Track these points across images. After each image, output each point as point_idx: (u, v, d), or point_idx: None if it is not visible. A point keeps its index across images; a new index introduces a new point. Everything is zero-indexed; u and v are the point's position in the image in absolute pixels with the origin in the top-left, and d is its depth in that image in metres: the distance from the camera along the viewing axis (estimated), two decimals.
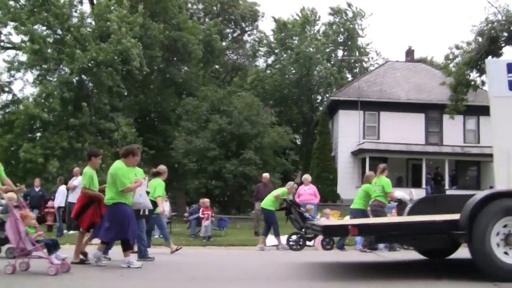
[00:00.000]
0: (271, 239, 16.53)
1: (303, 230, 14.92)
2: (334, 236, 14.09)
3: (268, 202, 15.67)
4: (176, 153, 30.60)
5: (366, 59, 51.94)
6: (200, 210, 19.50)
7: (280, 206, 16.01)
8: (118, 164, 9.92)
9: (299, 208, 15.86)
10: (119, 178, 9.63)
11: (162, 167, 13.30)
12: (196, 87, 35.55)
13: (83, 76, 30.77)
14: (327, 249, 15.16)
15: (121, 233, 9.58)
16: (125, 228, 9.53)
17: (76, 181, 18.78)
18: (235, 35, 49.00)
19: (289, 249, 15.11)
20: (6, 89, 33.36)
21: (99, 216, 10.13)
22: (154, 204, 12.22)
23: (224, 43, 44.94)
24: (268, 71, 48.13)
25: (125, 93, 31.72)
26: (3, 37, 34.00)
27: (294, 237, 15.39)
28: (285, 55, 46.42)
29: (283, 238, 15.68)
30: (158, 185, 12.75)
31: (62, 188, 20.15)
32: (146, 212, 11.07)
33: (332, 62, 48.70)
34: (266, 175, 21.38)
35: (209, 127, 29.93)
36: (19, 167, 29.01)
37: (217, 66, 46.52)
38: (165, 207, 15.89)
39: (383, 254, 13.31)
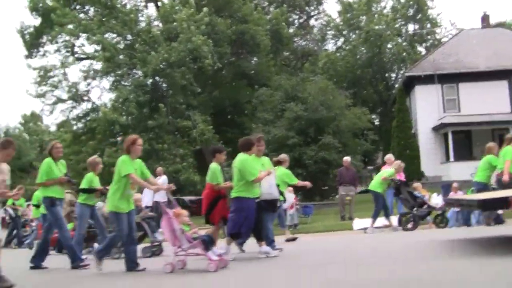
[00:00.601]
0: (358, 223, 16.36)
1: (414, 209, 14.84)
2: (491, 209, 13.49)
3: (375, 184, 15.45)
4: None
5: (438, 31, 50.38)
6: None
7: (388, 186, 15.62)
8: (242, 156, 9.82)
9: (409, 188, 15.67)
10: (247, 170, 9.58)
11: (283, 156, 13.14)
12: (268, 77, 35.45)
13: (156, 78, 31.26)
14: (441, 227, 15.02)
15: (236, 227, 9.61)
16: (241, 222, 9.53)
17: (160, 180, 19.07)
18: (301, 21, 48.61)
19: (401, 229, 14.83)
20: (85, 98, 34.36)
21: (228, 209, 10.18)
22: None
23: (291, 30, 44.68)
24: (338, 54, 47.51)
25: (199, 90, 31.97)
26: (77, 49, 35.05)
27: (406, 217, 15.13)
28: (354, 36, 45.71)
29: (394, 218, 15.52)
30: (284, 174, 12.57)
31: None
32: (278, 204, 10.93)
33: (403, 37, 47.61)
34: (347, 158, 21.18)
35: (285, 116, 29.86)
36: (104, 172, 29.77)
37: (287, 54, 46.28)
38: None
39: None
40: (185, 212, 9.12)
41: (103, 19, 31.49)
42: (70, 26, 31.55)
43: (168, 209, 8.87)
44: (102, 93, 38.50)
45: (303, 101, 30.36)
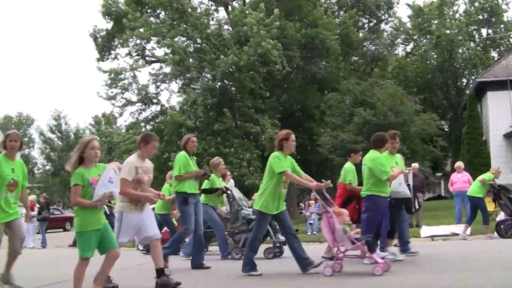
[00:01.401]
0: (425, 230, 16.05)
1: None
2: None
3: (475, 189, 15.35)
4: (323, 149, 30.51)
5: None
6: None
7: (487, 192, 15.58)
8: (373, 154, 9.47)
9: (508, 193, 15.36)
10: (378, 168, 9.21)
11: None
12: (337, 82, 35.17)
13: (225, 81, 31.40)
14: None
15: (373, 227, 9.17)
16: (377, 223, 9.20)
17: (228, 185, 19.11)
18: (371, 25, 48.08)
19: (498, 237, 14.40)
20: (155, 100, 34.84)
21: (357, 213, 10.07)
22: None
23: (361, 34, 44.27)
24: (408, 59, 46.79)
25: (268, 95, 31.95)
26: (147, 52, 35.60)
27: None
28: (424, 41, 45.01)
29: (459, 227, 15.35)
30: None
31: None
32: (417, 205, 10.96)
33: (476, 42, 46.48)
34: (415, 165, 20.72)
35: (354, 121, 29.59)
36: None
37: (356, 58, 45.87)
38: None
39: None
40: (345, 211, 8.73)
41: (174, 23, 31.84)
42: (141, 30, 32.05)
43: (328, 207, 8.50)
44: (171, 96, 39.14)
45: (371, 106, 30.03)
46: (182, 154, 10.08)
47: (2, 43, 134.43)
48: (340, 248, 8.33)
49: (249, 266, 8.69)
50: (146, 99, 34.44)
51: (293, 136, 8.79)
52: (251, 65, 29.25)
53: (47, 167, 66.47)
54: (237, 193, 12.71)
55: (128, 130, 37.70)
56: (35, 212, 22.38)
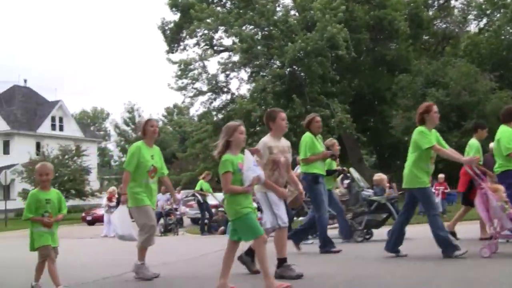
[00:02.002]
0: None
1: None
2: None
3: None
4: (396, 131, 30.12)
5: None
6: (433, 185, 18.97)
7: None
8: (504, 129, 9.12)
9: None
10: (505, 144, 8.85)
11: None
12: (408, 62, 34.57)
13: (294, 67, 31.35)
14: None
15: None
16: None
17: (300, 169, 19.14)
18: (441, 2, 46.86)
19: None
20: (225, 89, 35.15)
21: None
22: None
23: (430, 13, 43.22)
24: (481, 35, 45.38)
25: (337, 79, 31.71)
26: (215, 42, 35.90)
27: None
28: (498, 15, 43.51)
29: None
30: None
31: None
32: None
33: None
34: (493, 144, 20.20)
35: (426, 101, 29.07)
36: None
37: (426, 38, 44.87)
38: None
39: None
40: (502, 187, 7.94)
41: (240, 11, 31.99)
42: (209, 20, 32.35)
43: (482, 183, 7.79)
44: (240, 84, 39.27)
45: (444, 86, 29.41)
46: (307, 135, 9.44)
47: (77, 41, 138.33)
48: (496, 226, 7.65)
49: (451, 248, 7.72)
50: (216, 88, 34.78)
51: (435, 108, 8.13)
52: (319, 50, 29.11)
53: (123, 159, 68.03)
54: (356, 174, 12.21)
55: (200, 120, 38.20)
56: (114, 203, 23.05)
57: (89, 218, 34.12)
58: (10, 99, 55.64)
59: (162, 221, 22.93)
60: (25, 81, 61.59)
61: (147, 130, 7.93)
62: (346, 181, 12.16)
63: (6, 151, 52.03)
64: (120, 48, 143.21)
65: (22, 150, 48.89)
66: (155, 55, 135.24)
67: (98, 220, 30.12)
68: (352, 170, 12.50)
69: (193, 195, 19.01)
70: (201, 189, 19.45)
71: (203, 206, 19.73)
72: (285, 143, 7.36)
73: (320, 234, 9.46)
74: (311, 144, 9.34)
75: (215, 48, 36.05)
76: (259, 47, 31.59)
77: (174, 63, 34.08)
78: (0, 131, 51.78)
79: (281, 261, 6.90)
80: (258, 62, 31.87)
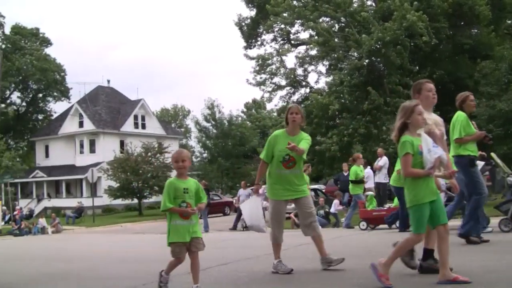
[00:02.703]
0: None
1: None
2: None
3: None
4: (479, 120, 29.30)
5: None
6: None
7: None
8: None
9: None
10: None
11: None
12: (490, 49, 33.47)
13: (372, 58, 30.97)
14: None
15: None
16: None
17: (381, 161, 18.94)
18: None
19: None
20: (303, 83, 35.12)
21: None
22: None
23: None
24: None
25: (416, 69, 31.10)
26: (292, 36, 35.90)
27: None
28: None
29: None
30: None
31: (370, 171, 20.38)
32: None
33: None
34: None
35: (511, 89, 28.11)
36: (325, 156, 30.38)
37: (510, 22, 43.28)
38: None
39: None
40: None
41: (316, 4, 31.84)
42: (285, 15, 32.38)
43: None
44: (319, 78, 39.11)
45: None
46: (461, 114, 8.94)
47: (157, 40, 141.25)
48: None
49: None
50: (295, 82, 34.79)
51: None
52: (397, 39, 28.64)
53: (204, 155, 69.08)
54: (498, 160, 11.49)
55: (280, 114, 38.29)
56: None
57: None
58: (95, 99, 57.58)
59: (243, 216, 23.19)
60: (108, 81, 63.64)
61: (288, 118, 7.55)
62: (488, 167, 11.54)
63: (92, 150, 53.85)
64: (200, 45, 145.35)
65: (107, 149, 50.49)
66: (234, 51, 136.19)
67: None
68: (493, 155, 11.71)
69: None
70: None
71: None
72: (436, 117, 7.10)
73: (469, 218, 8.84)
74: (466, 123, 8.87)
75: (292, 42, 36.06)
76: (336, 40, 31.37)
77: (252, 58, 34.31)
78: (87, 130, 53.62)
79: (428, 253, 6.45)
80: (335, 55, 31.65)
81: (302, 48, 35.19)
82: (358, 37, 29.32)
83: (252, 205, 8.02)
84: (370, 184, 19.67)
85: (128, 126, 55.71)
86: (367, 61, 30.20)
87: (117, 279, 8.44)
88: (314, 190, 30.24)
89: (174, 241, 6.18)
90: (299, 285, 6.32)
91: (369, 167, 20.59)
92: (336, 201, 20.44)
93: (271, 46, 36.48)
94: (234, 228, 22.95)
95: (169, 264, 6.48)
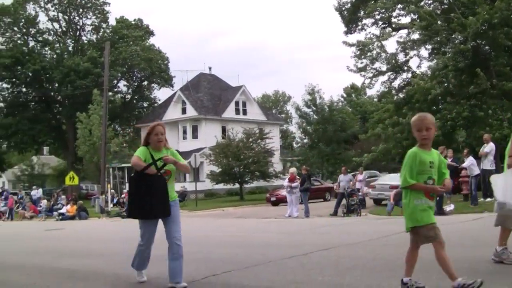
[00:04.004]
0: None
1: None
2: None
3: None
4: None
5: None
6: None
7: None
8: None
9: None
10: None
11: None
12: None
13: (478, 41, 29.90)
14: None
15: None
16: None
17: (487, 147, 18.42)
18: None
19: None
20: (405, 68, 34.43)
21: None
22: None
23: None
24: None
25: None
26: (393, 20, 35.21)
27: None
28: None
29: None
30: None
31: (471, 159, 19.86)
32: None
33: None
34: None
35: None
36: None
37: None
38: None
39: None
40: None
41: None
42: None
43: None
44: (421, 62, 38.12)
45: None
46: None
47: (257, 27, 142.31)
48: None
49: None
50: (396, 68, 34.15)
51: None
52: (505, 20, 27.49)
53: (305, 141, 69.18)
54: None
55: (381, 100, 37.75)
56: (297, 183, 23.65)
57: (273, 198, 35.25)
58: (197, 86, 58.84)
59: (344, 201, 23.17)
60: (210, 68, 64.80)
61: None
62: None
63: (194, 135, 55.12)
64: (300, 31, 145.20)
65: (209, 134, 51.59)
66: (334, 36, 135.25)
67: (281, 200, 31.02)
68: None
69: None
70: None
71: None
72: None
73: None
74: None
75: (393, 26, 35.37)
76: (439, 23, 30.49)
77: (351, 45, 33.94)
78: (189, 117, 54.92)
79: None
80: (438, 39, 30.76)
81: (403, 32, 34.46)
82: (463, 19, 28.36)
83: (508, 178, 6.64)
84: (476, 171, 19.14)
85: (230, 112, 56.54)
86: (472, 43, 29.15)
87: (219, 262, 8.71)
88: None
89: (428, 222, 5.25)
90: (401, 272, 6.29)
91: (471, 156, 20.05)
92: None
93: (370, 32, 35.94)
94: (335, 213, 22.97)
95: (410, 259, 5.55)
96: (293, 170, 25.36)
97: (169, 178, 6.96)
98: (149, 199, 6.57)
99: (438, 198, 18.05)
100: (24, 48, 64.28)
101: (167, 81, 69.45)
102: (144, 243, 6.97)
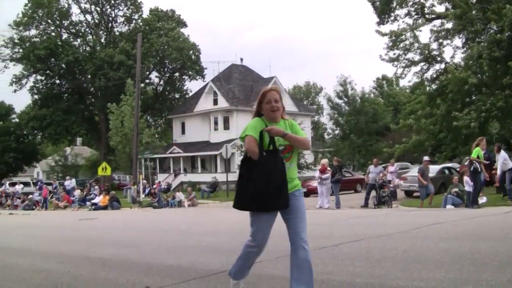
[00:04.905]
0: None
1: None
2: None
3: None
4: None
5: None
6: None
7: None
8: None
9: None
10: None
11: None
12: None
13: None
14: None
15: None
16: None
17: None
18: None
19: None
20: (438, 58, 34.05)
21: None
22: None
23: None
24: None
25: None
26: (427, 10, 34.83)
27: None
28: None
29: None
30: None
31: (503, 155, 19.58)
32: None
33: None
34: None
35: None
36: (460, 133, 29.43)
37: None
38: None
39: None
40: None
41: None
42: None
43: None
44: (455, 52, 37.69)
45: None
46: None
47: (287, 19, 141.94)
48: None
49: None
50: (429, 58, 33.77)
51: None
52: None
53: (336, 132, 68.98)
54: None
55: (413, 91, 37.39)
56: (328, 175, 23.58)
57: (304, 189, 35.18)
58: (228, 77, 58.92)
59: (374, 193, 23.07)
60: (242, 60, 64.77)
61: None
62: None
63: (226, 126, 55.22)
64: (332, 23, 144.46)
65: (240, 125, 51.55)
66: (366, 28, 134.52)
67: (312, 191, 30.96)
68: None
69: (470, 162, 17.96)
70: (478, 157, 18.01)
71: (477, 176, 17.71)
72: None
73: None
74: None
75: (427, 16, 34.97)
76: (474, 12, 30.06)
77: (384, 35, 33.64)
78: (221, 108, 55.05)
79: None
80: (473, 28, 30.32)
81: (437, 22, 34.05)
82: (500, 7, 27.90)
83: None
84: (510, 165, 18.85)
85: None
86: (508, 33, 28.65)
87: None
88: (448, 168, 29.44)
89: None
90: (432, 264, 6.26)
91: (502, 151, 19.77)
92: (466, 178, 19.48)
93: (404, 22, 35.52)
94: (365, 205, 22.87)
95: None
96: (324, 161, 25.27)
97: (291, 156, 5.61)
98: (266, 185, 5.27)
99: (473, 191, 17.90)
100: (57, 40, 65.06)
101: (198, 72, 69.65)
102: (257, 244, 5.63)
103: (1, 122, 68.59)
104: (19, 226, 20.92)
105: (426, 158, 22.97)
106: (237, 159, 47.29)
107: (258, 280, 6.43)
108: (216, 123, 56.24)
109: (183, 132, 61.60)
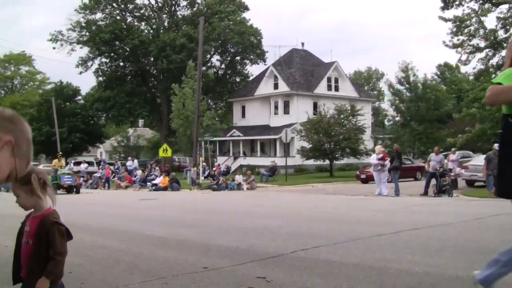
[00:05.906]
0: None
1: None
2: None
3: None
4: None
5: None
6: None
7: None
8: None
9: None
10: None
11: None
12: None
13: None
14: None
15: None
16: None
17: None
18: None
19: None
20: (504, 44, 33.16)
21: None
22: None
23: None
24: None
25: None
26: None
27: None
28: None
29: None
30: None
31: None
32: None
33: None
34: None
35: None
36: None
37: None
38: None
39: None
40: None
41: None
42: None
43: None
44: None
45: None
46: None
47: (352, 3, 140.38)
48: None
49: None
50: (495, 44, 32.92)
51: None
52: None
53: (397, 118, 67.97)
54: None
55: (478, 78, 36.55)
56: (386, 162, 23.36)
57: (363, 176, 35.00)
58: (289, 62, 58.80)
59: (434, 181, 22.74)
60: (303, 44, 64.53)
61: None
62: None
63: (286, 111, 55.20)
64: (395, 8, 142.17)
65: (300, 110, 51.51)
66: (430, 13, 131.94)
67: (371, 178, 30.73)
68: None
69: None
70: None
71: None
72: None
73: None
74: None
75: (493, 1, 34.07)
76: None
77: (447, 20, 32.95)
78: (281, 92, 55.02)
79: None
80: None
81: (504, 7, 33.12)
82: None
83: None
84: None
85: (321, 88, 56.21)
86: None
87: (308, 237, 8.81)
88: None
89: None
90: (493, 255, 6.19)
91: None
92: None
93: (468, 7, 34.68)
94: (425, 193, 22.58)
95: None
96: (378, 147, 25.22)
97: None
98: None
99: None
100: (122, 23, 66.15)
101: (259, 56, 69.67)
102: None
103: (69, 103, 70.19)
104: (85, 203, 21.53)
105: (496, 146, 22.50)
106: (297, 144, 47.26)
107: (315, 264, 6.48)
108: (276, 107, 56.29)
109: (243, 115, 61.92)
